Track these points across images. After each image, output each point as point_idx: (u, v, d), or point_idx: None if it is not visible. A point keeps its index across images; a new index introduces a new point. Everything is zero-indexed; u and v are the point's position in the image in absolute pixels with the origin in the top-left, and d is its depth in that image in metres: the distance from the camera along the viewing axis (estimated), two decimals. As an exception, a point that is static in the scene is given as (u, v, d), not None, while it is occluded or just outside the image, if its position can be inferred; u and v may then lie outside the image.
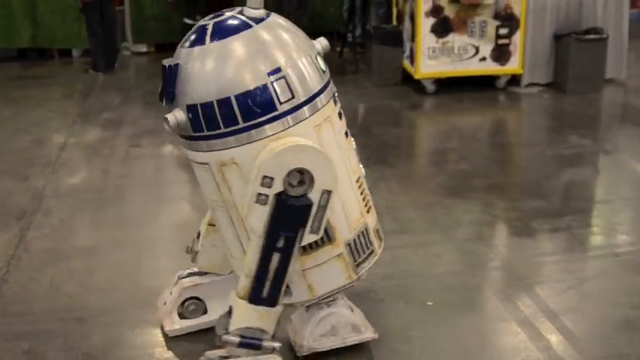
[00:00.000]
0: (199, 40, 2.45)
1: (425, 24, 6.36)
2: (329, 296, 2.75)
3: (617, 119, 6.10)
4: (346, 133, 2.66)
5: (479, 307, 3.28)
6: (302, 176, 2.41)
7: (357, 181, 2.67)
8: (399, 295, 3.31)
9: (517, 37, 6.44)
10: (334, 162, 2.46)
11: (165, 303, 3.07)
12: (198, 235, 3.02)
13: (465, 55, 6.45)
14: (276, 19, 2.56)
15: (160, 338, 3.05)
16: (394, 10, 7.31)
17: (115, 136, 5.70)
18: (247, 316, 2.57)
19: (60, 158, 5.22)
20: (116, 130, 5.83)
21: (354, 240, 2.64)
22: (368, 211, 2.71)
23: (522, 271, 3.54)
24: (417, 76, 6.54)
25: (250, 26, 2.45)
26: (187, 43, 2.48)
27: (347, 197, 2.59)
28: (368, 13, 8.36)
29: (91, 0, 7.52)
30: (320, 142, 2.46)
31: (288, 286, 2.59)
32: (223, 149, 2.43)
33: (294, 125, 2.42)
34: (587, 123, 5.78)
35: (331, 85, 2.60)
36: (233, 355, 2.58)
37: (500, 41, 6.44)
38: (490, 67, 6.52)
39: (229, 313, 2.59)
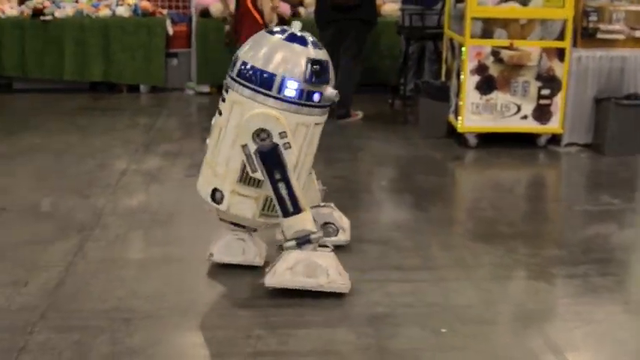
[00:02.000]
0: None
1: (470, 81, 6.71)
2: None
3: (650, 182, 6.32)
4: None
5: (489, 338, 3.53)
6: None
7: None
8: (415, 322, 3.60)
9: (558, 98, 6.73)
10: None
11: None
12: None
13: (507, 113, 6.76)
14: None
15: (197, 340, 3.40)
16: (443, 67, 7.68)
17: (172, 165, 6.15)
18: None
19: (120, 182, 5.67)
20: (174, 161, 6.27)
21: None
22: None
23: (534, 309, 3.80)
24: (460, 130, 6.86)
25: None
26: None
27: None
28: (422, 69, 8.73)
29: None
30: None
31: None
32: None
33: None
34: (620, 183, 6.00)
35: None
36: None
37: (542, 101, 6.74)
38: (531, 126, 6.81)
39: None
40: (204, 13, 9.23)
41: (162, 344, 3.37)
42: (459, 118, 6.81)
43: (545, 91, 6.72)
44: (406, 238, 4.67)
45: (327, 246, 3.81)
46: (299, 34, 3.71)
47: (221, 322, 3.57)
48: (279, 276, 3.70)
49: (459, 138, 6.93)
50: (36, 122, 7.61)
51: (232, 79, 3.70)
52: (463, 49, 6.70)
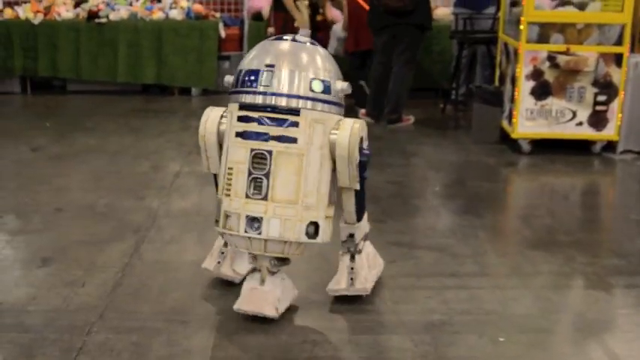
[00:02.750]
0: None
1: (525, 86, 6.63)
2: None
3: None
4: (242, 135, 3.43)
5: (548, 347, 3.48)
6: None
7: (229, 169, 3.46)
8: (473, 329, 3.56)
9: (615, 105, 6.62)
10: (225, 144, 3.54)
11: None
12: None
13: (562, 119, 6.67)
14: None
15: (253, 343, 3.40)
16: (497, 72, 7.61)
17: (225, 168, 6.16)
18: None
19: (174, 184, 5.71)
20: (226, 163, 6.28)
21: (217, 201, 3.55)
22: (226, 195, 3.45)
23: (593, 319, 3.73)
24: (514, 136, 6.79)
25: None
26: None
27: (221, 170, 3.56)
28: (473, 73, 8.68)
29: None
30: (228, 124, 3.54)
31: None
32: None
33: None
34: (677, 192, 5.90)
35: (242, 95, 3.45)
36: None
37: (598, 107, 6.63)
38: (586, 132, 6.71)
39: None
40: (257, 16, 9.27)
41: (219, 347, 3.38)
42: (513, 124, 6.74)
43: (602, 98, 6.62)
44: (462, 245, 4.62)
45: None
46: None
47: (276, 327, 3.56)
48: (371, 278, 3.87)
49: (512, 144, 6.86)
50: (90, 124, 7.71)
51: (302, 98, 3.36)
52: (519, 53, 6.62)
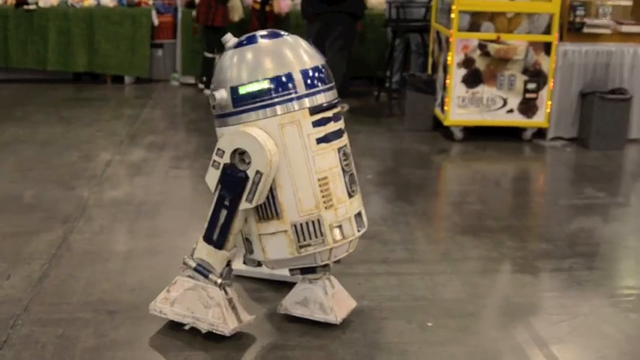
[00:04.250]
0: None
1: (456, 74, 6.70)
2: (308, 271, 3.39)
3: (634, 176, 6.32)
4: (325, 139, 3.18)
5: (475, 331, 3.53)
6: (243, 156, 3.11)
7: (321, 180, 3.15)
8: (402, 315, 3.60)
9: (544, 92, 6.73)
10: (295, 158, 3.13)
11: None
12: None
13: (493, 106, 6.76)
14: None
15: (183, 333, 3.37)
16: (430, 60, 7.67)
17: (157, 157, 6.10)
18: (201, 250, 3.31)
19: (105, 173, 5.63)
20: (159, 152, 6.23)
21: (302, 224, 3.19)
22: (327, 208, 3.19)
23: (520, 303, 3.80)
24: (446, 123, 6.86)
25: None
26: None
27: (301, 187, 3.16)
28: (407, 62, 8.72)
29: None
30: (281, 138, 3.11)
31: (250, 244, 3.32)
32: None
33: (263, 119, 3.11)
34: (605, 177, 6.02)
35: (309, 99, 3.15)
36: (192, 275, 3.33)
37: (528, 95, 6.74)
38: (517, 119, 6.81)
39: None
40: (190, 3, 9.17)
41: (146, 337, 3.34)
42: (445, 111, 6.80)
43: (532, 85, 6.73)
44: (392, 232, 4.66)
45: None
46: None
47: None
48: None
49: (445, 131, 6.93)
50: (19, 113, 7.55)
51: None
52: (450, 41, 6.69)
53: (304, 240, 3.20)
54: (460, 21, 6.68)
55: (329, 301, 3.41)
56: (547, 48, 6.66)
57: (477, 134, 6.85)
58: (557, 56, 6.71)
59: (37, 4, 8.90)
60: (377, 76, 8.97)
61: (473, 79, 6.70)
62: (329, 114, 3.20)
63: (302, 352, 3.25)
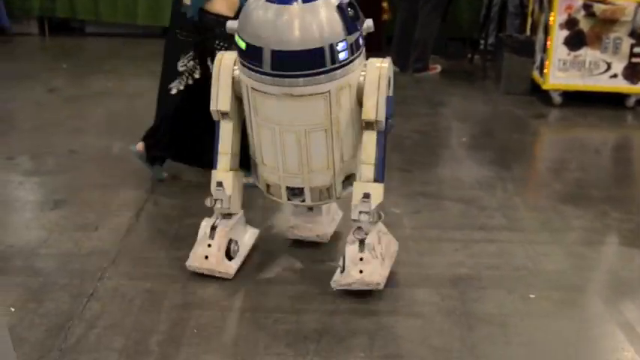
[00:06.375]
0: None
1: (558, 36, 6.37)
2: None
3: None
4: None
5: (580, 305, 3.31)
6: None
7: None
8: (502, 285, 3.40)
9: (652, 57, 6.36)
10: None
11: (207, 256, 3.32)
12: (220, 184, 3.35)
13: (595, 71, 6.42)
14: None
15: (272, 297, 3.24)
16: (529, 21, 7.33)
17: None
18: (379, 194, 3.16)
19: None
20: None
21: None
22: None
23: (628, 278, 3.56)
24: (544, 87, 6.55)
25: None
26: None
27: None
28: (504, 23, 8.38)
29: None
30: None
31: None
32: (343, 76, 3.03)
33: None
34: None
35: None
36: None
37: (634, 59, 6.37)
38: (621, 85, 6.45)
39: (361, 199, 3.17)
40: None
41: (235, 297, 3.23)
42: (544, 74, 6.49)
43: (638, 49, 6.35)
44: (489, 197, 4.44)
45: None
46: None
47: (295, 277, 3.41)
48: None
49: (542, 95, 6.62)
50: (108, 66, 7.51)
51: (329, 69, 3.01)
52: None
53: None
54: (564, -21, 6.34)
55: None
56: (657, 9, 6.28)
57: (578, 99, 6.51)
58: (668, 18, 6.32)
59: (127, -42, 8.84)
60: (472, 37, 8.65)
61: (576, 41, 6.36)
62: None
63: (397, 319, 3.09)
